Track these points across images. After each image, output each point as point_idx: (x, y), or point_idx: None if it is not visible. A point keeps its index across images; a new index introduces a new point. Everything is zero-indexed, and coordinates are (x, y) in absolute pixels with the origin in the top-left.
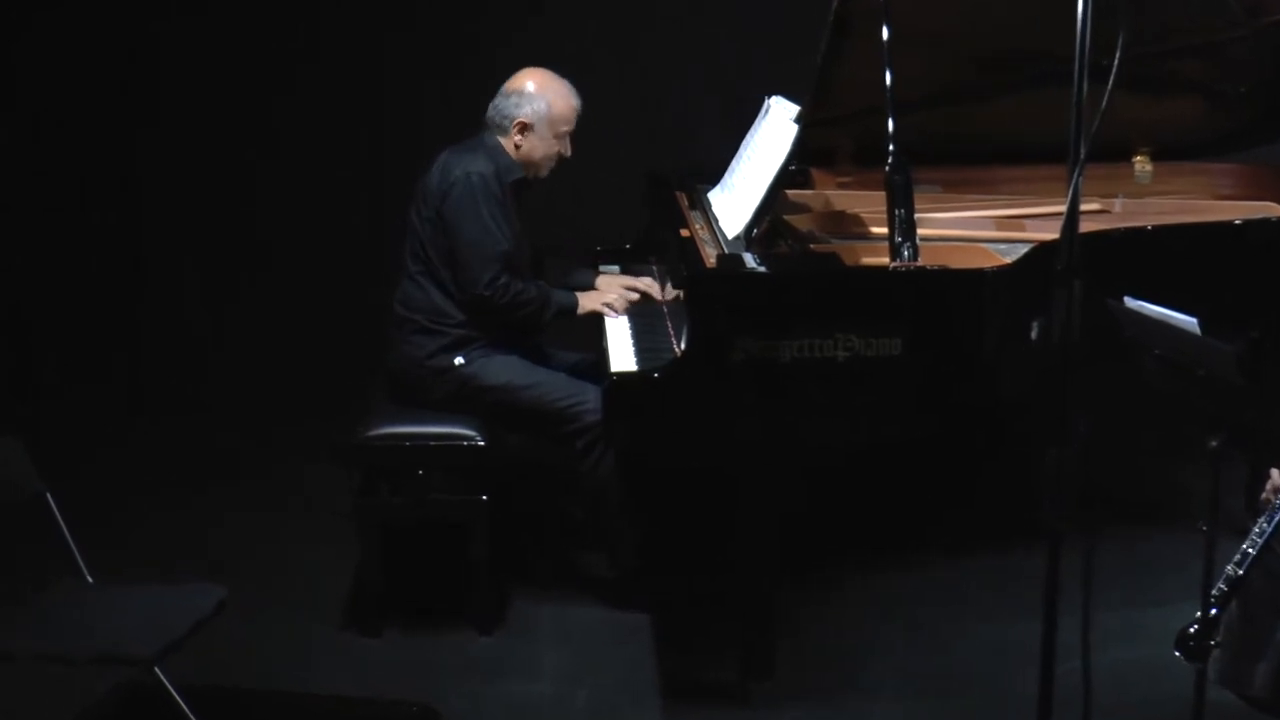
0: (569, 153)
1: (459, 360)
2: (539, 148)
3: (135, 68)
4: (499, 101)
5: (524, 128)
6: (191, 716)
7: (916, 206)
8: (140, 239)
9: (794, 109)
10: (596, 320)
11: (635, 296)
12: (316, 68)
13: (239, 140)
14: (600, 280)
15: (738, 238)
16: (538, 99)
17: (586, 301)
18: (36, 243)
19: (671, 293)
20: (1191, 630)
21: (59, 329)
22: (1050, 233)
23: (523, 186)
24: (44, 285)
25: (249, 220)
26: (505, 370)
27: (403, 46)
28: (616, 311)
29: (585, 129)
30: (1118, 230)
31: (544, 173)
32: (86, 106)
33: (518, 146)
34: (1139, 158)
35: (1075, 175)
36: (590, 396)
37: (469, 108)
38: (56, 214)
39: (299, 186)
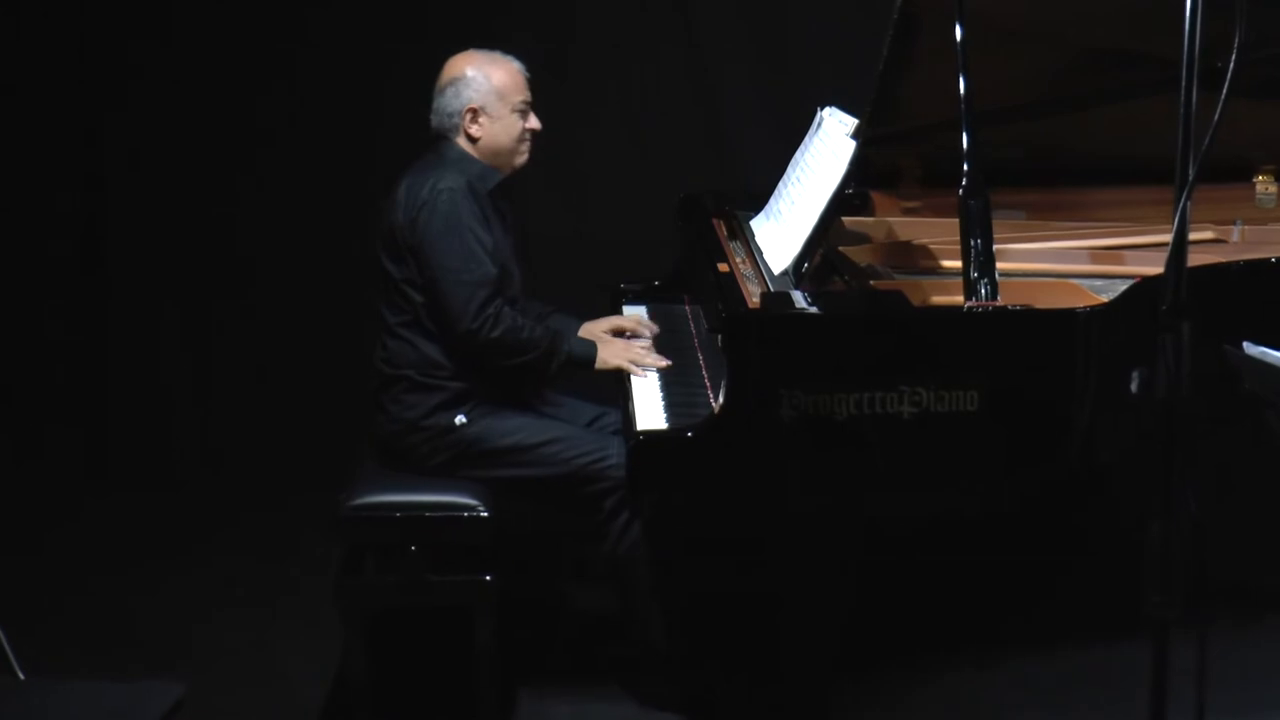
0: (539, 125)
1: (460, 419)
2: (500, 131)
3: (87, 66)
4: (438, 103)
5: (475, 114)
6: None
7: (996, 236)
8: (103, 277)
9: (851, 122)
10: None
11: (665, 363)
12: (310, 65)
13: (217, 157)
14: (587, 329)
15: (785, 273)
16: (476, 78)
17: (608, 355)
18: None
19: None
20: None
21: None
22: (1154, 266)
23: (506, 190)
24: None
25: (228, 252)
26: (514, 428)
27: (411, 56)
28: (643, 371)
29: (605, 146)
30: (1235, 263)
31: (519, 159)
32: (40, 113)
33: (476, 139)
34: (1261, 178)
35: (1183, 198)
36: (614, 451)
37: None
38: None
39: (285, 212)
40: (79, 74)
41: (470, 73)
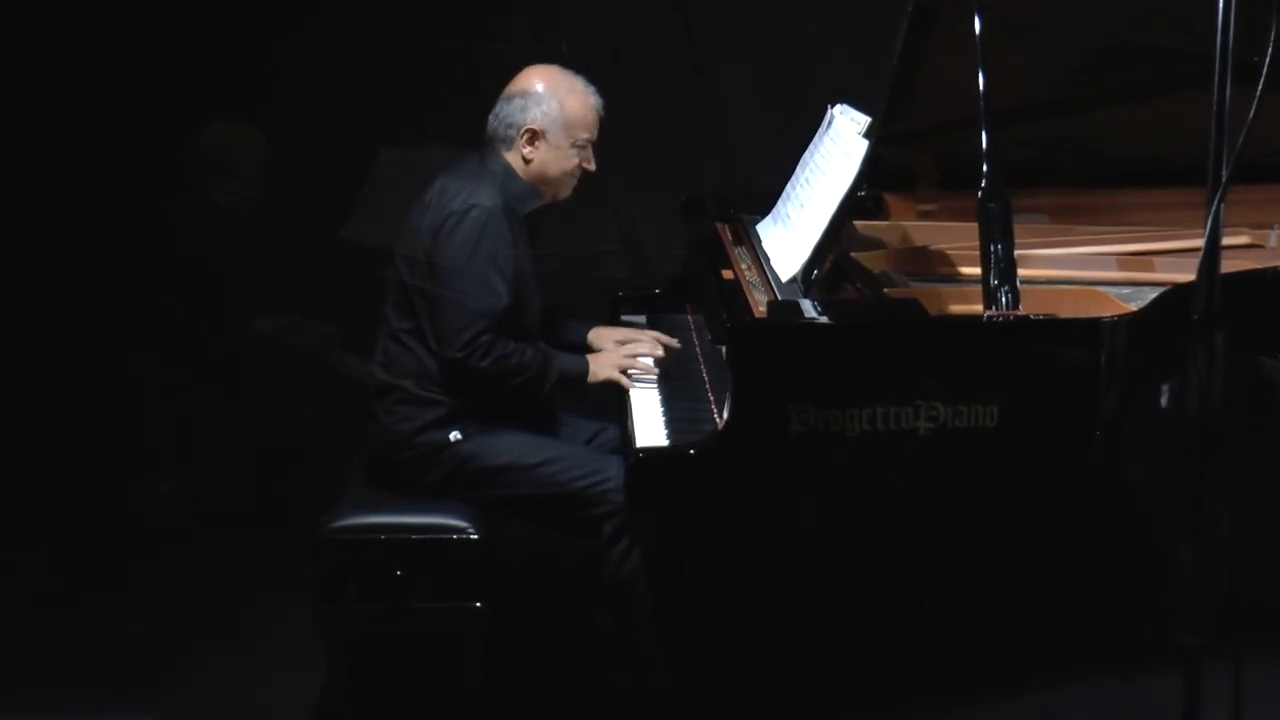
0: (593, 166)
1: (455, 436)
2: (553, 161)
3: (87, 66)
4: (501, 109)
5: (534, 136)
6: None
7: (1017, 241)
8: (98, 279)
9: (863, 120)
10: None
11: (659, 352)
12: (310, 65)
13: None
14: (596, 334)
15: (794, 280)
16: (548, 100)
17: (599, 367)
18: None
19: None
20: None
21: None
22: (1186, 273)
23: (539, 214)
24: None
25: (225, 254)
26: (510, 447)
27: (411, 56)
28: (638, 381)
29: (605, 146)
30: (1272, 270)
31: (564, 193)
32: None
33: (527, 161)
34: None
35: (1216, 201)
36: (614, 473)
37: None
38: None
39: (285, 213)
40: (79, 74)
41: (543, 90)
